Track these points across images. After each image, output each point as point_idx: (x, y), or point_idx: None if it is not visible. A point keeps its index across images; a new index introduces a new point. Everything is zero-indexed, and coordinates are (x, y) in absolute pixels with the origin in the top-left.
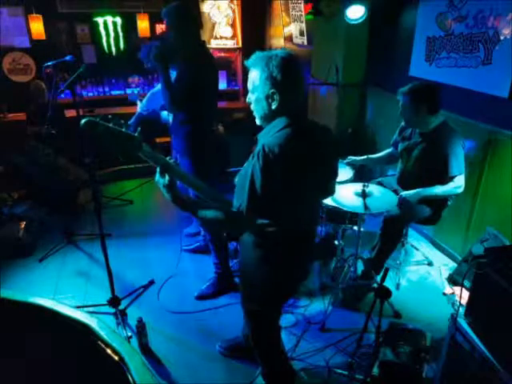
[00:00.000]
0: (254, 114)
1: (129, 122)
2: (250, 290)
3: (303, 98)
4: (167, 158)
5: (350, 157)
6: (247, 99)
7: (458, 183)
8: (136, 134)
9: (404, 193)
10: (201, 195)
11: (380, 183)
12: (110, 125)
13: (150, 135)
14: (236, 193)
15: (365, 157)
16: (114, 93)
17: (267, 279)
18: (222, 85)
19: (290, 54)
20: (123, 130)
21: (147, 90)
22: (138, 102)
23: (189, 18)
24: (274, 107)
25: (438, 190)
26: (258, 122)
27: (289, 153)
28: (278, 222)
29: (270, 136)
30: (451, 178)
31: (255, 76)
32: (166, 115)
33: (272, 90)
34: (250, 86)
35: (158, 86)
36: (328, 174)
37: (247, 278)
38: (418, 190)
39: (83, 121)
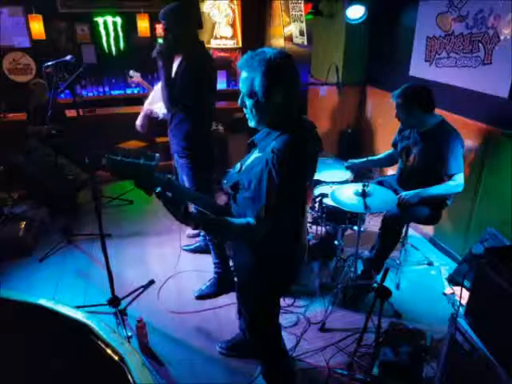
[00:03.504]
0: (247, 116)
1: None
2: (246, 289)
3: (298, 99)
4: (168, 176)
5: (350, 160)
6: (239, 102)
7: (458, 181)
8: (153, 163)
9: (404, 193)
10: (202, 208)
11: (380, 183)
12: (130, 160)
13: (150, 135)
14: (252, 202)
15: (365, 159)
16: (114, 93)
17: (263, 278)
18: (222, 85)
19: (283, 55)
20: (141, 162)
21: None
22: (155, 105)
23: (186, 19)
24: (268, 110)
25: (438, 189)
26: (251, 124)
27: (297, 153)
28: (282, 222)
29: (271, 140)
30: (450, 177)
31: (247, 78)
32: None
33: (266, 94)
34: (242, 88)
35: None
36: (314, 171)
37: (244, 279)
38: (417, 190)
39: (105, 161)
